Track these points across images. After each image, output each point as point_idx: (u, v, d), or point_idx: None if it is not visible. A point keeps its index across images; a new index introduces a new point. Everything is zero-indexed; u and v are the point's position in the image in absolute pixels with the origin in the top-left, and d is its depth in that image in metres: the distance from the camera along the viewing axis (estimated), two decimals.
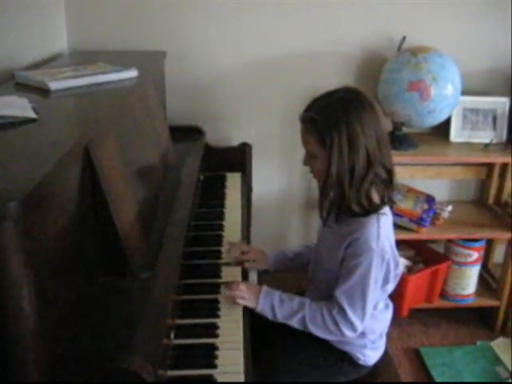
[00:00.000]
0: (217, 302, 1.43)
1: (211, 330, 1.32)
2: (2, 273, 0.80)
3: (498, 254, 2.62)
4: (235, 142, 2.36)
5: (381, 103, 2.23)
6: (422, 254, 2.52)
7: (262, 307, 1.45)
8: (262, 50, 2.37)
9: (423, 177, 2.56)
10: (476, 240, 2.39)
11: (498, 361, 2.30)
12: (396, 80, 2.18)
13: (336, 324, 1.41)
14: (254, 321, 1.44)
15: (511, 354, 2.31)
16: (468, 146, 2.39)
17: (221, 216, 1.90)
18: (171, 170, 1.81)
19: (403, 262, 2.36)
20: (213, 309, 1.40)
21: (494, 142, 2.38)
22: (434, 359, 2.30)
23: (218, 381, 1.17)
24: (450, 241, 2.45)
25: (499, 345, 2.40)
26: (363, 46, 2.39)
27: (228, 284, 1.47)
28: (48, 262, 0.92)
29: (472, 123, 2.42)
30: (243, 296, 1.43)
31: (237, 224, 1.86)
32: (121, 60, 1.85)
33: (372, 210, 1.40)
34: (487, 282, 2.61)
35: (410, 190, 2.39)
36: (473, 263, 2.41)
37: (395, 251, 1.47)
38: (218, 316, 1.38)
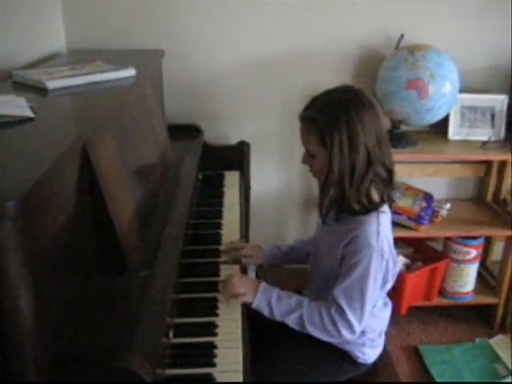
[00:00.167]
0: (215, 300, 1.43)
1: (210, 329, 1.32)
2: (0, 272, 0.80)
3: (497, 252, 2.63)
4: (233, 141, 2.36)
5: (379, 101, 2.22)
6: (420, 252, 2.52)
7: (259, 302, 1.44)
8: (260, 49, 2.37)
9: (421, 175, 2.56)
10: (474, 238, 2.39)
11: (496, 358, 2.31)
12: (394, 78, 2.18)
13: (334, 324, 1.40)
14: (253, 320, 1.44)
15: (511, 352, 2.31)
16: (466, 143, 2.39)
17: (219, 215, 1.90)
18: (169, 168, 1.81)
19: (401, 260, 2.36)
20: (211, 307, 1.40)
21: (492, 139, 2.38)
22: (432, 357, 2.31)
23: (217, 379, 1.17)
24: (448, 238, 2.45)
25: (498, 342, 2.41)
26: (361, 44, 2.39)
27: (222, 285, 1.47)
28: (46, 261, 0.92)
29: (470, 121, 2.42)
30: (239, 292, 1.43)
31: (235, 222, 1.86)
32: (119, 59, 1.85)
33: (372, 208, 1.40)
34: (486, 280, 2.61)
35: (408, 188, 2.39)
36: (471, 261, 2.42)
37: (393, 250, 1.47)
38: (216, 315, 1.38)
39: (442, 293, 2.49)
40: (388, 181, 1.42)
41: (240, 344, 1.29)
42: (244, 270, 1.63)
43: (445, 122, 2.38)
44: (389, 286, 1.51)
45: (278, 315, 1.44)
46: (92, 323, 1.05)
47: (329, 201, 1.44)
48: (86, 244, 1.14)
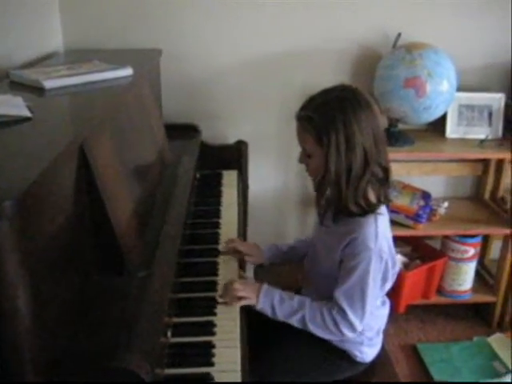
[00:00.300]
0: (214, 299, 1.43)
1: (208, 328, 1.32)
2: None
3: (495, 250, 2.63)
4: (231, 140, 2.35)
5: (377, 100, 2.22)
6: (418, 251, 2.52)
7: (263, 306, 1.45)
8: (258, 48, 2.37)
9: (419, 173, 2.56)
10: (472, 236, 2.40)
11: (494, 356, 2.31)
12: (391, 77, 2.18)
13: (336, 324, 1.41)
14: (251, 319, 1.44)
15: (511, 350, 2.32)
16: (464, 142, 2.39)
17: (217, 214, 1.90)
18: (167, 168, 1.81)
19: (400, 259, 2.37)
20: (210, 307, 1.40)
21: (490, 137, 2.38)
22: (431, 355, 2.31)
23: (215, 379, 1.17)
24: (446, 237, 2.45)
25: (496, 340, 2.41)
26: (359, 43, 2.38)
27: (223, 290, 1.46)
28: (44, 261, 0.92)
29: (468, 119, 2.42)
30: (240, 296, 1.43)
31: (233, 222, 1.86)
32: (116, 58, 1.84)
33: (369, 210, 1.40)
34: (484, 278, 2.61)
35: (406, 187, 2.39)
36: (469, 259, 2.42)
37: (393, 250, 1.47)
38: (214, 314, 1.38)
39: (440, 291, 2.49)
40: (384, 180, 1.42)
41: (238, 343, 1.29)
42: (243, 266, 1.63)
43: (442, 120, 2.38)
44: (388, 285, 1.51)
45: (280, 316, 1.45)
46: (90, 323, 1.05)
47: (326, 201, 1.44)
48: (84, 244, 1.14)
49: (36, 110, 1.22)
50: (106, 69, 1.65)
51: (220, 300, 1.43)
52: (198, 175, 2.09)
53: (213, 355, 1.24)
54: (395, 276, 1.52)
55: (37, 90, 1.45)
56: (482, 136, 2.38)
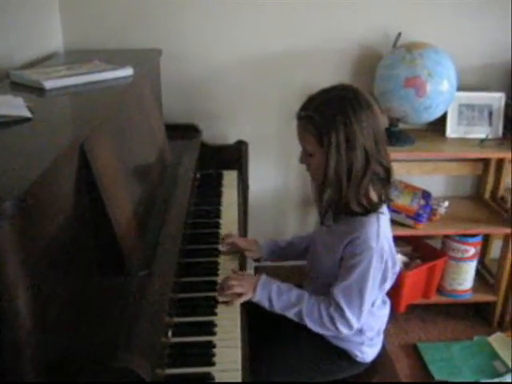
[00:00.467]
0: (214, 299, 1.43)
1: (209, 328, 1.32)
2: None
3: (495, 250, 2.63)
4: (231, 140, 2.35)
5: (377, 100, 2.22)
6: (418, 250, 2.53)
7: (260, 297, 1.45)
8: (258, 48, 2.37)
9: (419, 173, 2.56)
10: (473, 235, 2.40)
11: (495, 355, 2.31)
12: (392, 76, 2.18)
13: (332, 321, 1.41)
14: (251, 318, 1.44)
15: (511, 350, 2.32)
16: (464, 141, 2.40)
17: (217, 214, 1.90)
18: (167, 168, 1.81)
19: (400, 258, 2.37)
20: (210, 307, 1.40)
21: (490, 137, 2.38)
22: (431, 354, 2.31)
23: (216, 378, 1.17)
24: (446, 236, 2.45)
25: (496, 340, 2.41)
26: (359, 43, 2.39)
27: (220, 287, 1.46)
28: (44, 261, 0.92)
29: (468, 119, 2.42)
30: (238, 292, 1.43)
31: (233, 222, 1.86)
32: (116, 58, 1.85)
33: (371, 209, 1.40)
34: (484, 278, 2.61)
35: (406, 186, 2.39)
36: (469, 259, 2.42)
37: (393, 250, 1.47)
38: (215, 314, 1.38)
39: (440, 291, 2.49)
40: (386, 180, 1.42)
41: (239, 343, 1.29)
42: (243, 267, 1.63)
43: (443, 120, 2.38)
44: (387, 285, 1.51)
45: (277, 309, 1.45)
46: (91, 323, 1.05)
47: (326, 201, 1.44)
48: (85, 244, 1.14)
49: (36, 111, 1.22)
50: (106, 69, 1.66)
51: (219, 299, 1.43)
52: (198, 175, 2.09)
53: (213, 355, 1.24)
54: (395, 276, 1.52)
55: (37, 90, 1.45)
56: (483, 135, 2.38)
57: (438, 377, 2.18)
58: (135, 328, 1.04)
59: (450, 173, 2.63)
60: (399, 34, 2.30)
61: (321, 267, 1.53)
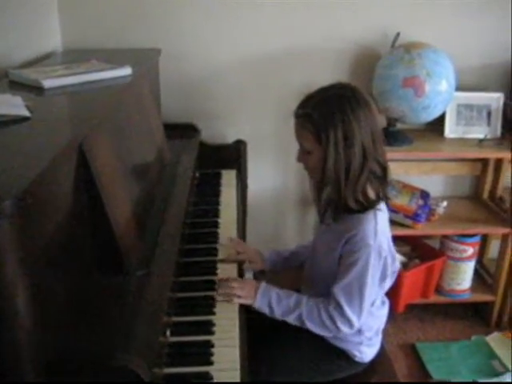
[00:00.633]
0: (212, 299, 1.43)
1: (207, 327, 1.32)
2: None
3: (493, 250, 2.63)
4: (230, 140, 2.36)
5: (375, 99, 2.23)
6: (417, 250, 2.53)
7: (260, 304, 1.45)
8: (257, 48, 2.37)
9: (418, 173, 2.56)
10: (471, 235, 2.40)
11: (493, 355, 2.31)
12: (390, 76, 2.18)
13: (332, 320, 1.41)
14: (250, 318, 1.45)
15: (509, 349, 2.32)
16: (462, 141, 2.40)
17: (216, 213, 1.90)
18: (166, 167, 1.81)
19: (399, 258, 2.36)
20: (208, 306, 1.40)
21: (489, 137, 2.38)
22: (429, 354, 2.31)
23: (215, 378, 1.17)
24: (445, 236, 2.46)
25: (494, 339, 2.41)
26: (358, 43, 2.39)
27: (220, 285, 1.47)
28: (43, 260, 0.92)
29: (466, 119, 2.42)
30: (238, 294, 1.43)
31: (232, 221, 1.86)
32: (115, 58, 1.84)
33: (369, 206, 1.40)
34: (482, 277, 2.62)
35: (404, 186, 2.40)
36: (468, 258, 2.42)
37: (392, 247, 1.48)
38: (213, 313, 1.38)
39: (438, 290, 2.49)
40: (383, 178, 1.43)
41: (237, 342, 1.29)
42: (241, 274, 1.63)
43: (441, 120, 2.38)
44: (388, 283, 1.51)
45: (278, 315, 1.45)
46: (89, 322, 1.05)
47: (325, 200, 1.44)
48: (84, 243, 1.14)
49: (35, 110, 1.22)
50: (105, 68, 1.65)
51: (218, 298, 1.43)
52: (197, 174, 2.09)
53: (212, 354, 1.24)
54: (395, 274, 1.53)
55: (36, 89, 1.45)
56: (481, 135, 2.38)
57: (436, 376, 2.18)
58: (134, 327, 1.04)
59: (448, 173, 2.63)
60: (398, 34, 2.30)
61: (319, 268, 1.54)
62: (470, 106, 2.42)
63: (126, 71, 1.66)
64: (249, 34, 2.35)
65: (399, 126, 2.37)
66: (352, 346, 1.52)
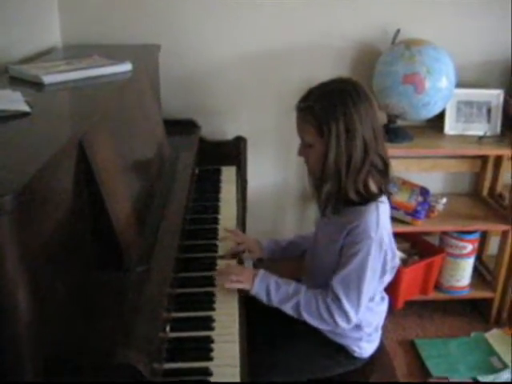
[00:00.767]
0: (212, 295, 1.43)
1: (207, 323, 1.32)
2: None
3: (493, 246, 2.64)
4: (230, 136, 2.36)
5: (375, 96, 2.23)
6: (416, 247, 2.53)
7: (258, 290, 1.45)
8: (256, 44, 2.37)
9: (418, 169, 2.56)
10: (470, 232, 2.40)
11: (492, 352, 2.32)
12: (390, 73, 2.18)
13: (330, 312, 1.41)
14: (250, 313, 1.45)
15: (510, 346, 2.33)
16: (462, 138, 2.40)
17: (216, 209, 1.91)
18: (166, 163, 1.81)
19: (398, 255, 2.37)
20: (208, 302, 1.41)
21: (488, 134, 2.38)
22: (428, 351, 2.32)
23: (214, 373, 1.17)
24: (444, 233, 2.46)
25: (493, 336, 2.42)
26: (357, 39, 2.38)
27: (220, 272, 1.48)
28: (43, 256, 0.92)
29: (466, 116, 2.42)
30: (237, 279, 1.43)
31: (232, 217, 1.86)
32: (115, 54, 1.84)
33: (370, 198, 1.41)
34: (482, 274, 2.62)
35: (404, 183, 2.40)
36: (467, 255, 2.42)
37: (392, 242, 1.48)
38: (213, 309, 1.38)
39: (438, 287, 2.50)
40: (384, 172, 1.43)
41: (237, 338, 1.29)
42: (241, 263, 1.63)
43: (441, 116, 2.38)
44: (387, 278, 1.51)
45: (275, 302, 1.45)
46: (89, 318, 1.05)
47: (325, 195, 1.44)
48: (84, 239, 1.14)
49: (35, 105, 1.22)
50: (105, 64, 1.65)
51: (216, 282, 1.44)
52: (196, 171, 2.09)
53: (211, 350, 1.24)
54: (395, 270, 1.53)
55: (36, 85, 1.45)
56: (481, 132, 2.38)
57: (435, 373, 2.19)
58: (134, 323, 1.04)
59: (448, 169, 2.64)
60: (398, 31, 2.30)
61: (320, 262, 1.54)
62: (469, 103, 2.42)
63: (127, 67, 1.66)
64: (249, 31, 2.34)
65: (399, 122, 2.37)
66: (351, 341, 1.53)
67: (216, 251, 1.64)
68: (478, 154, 2.51)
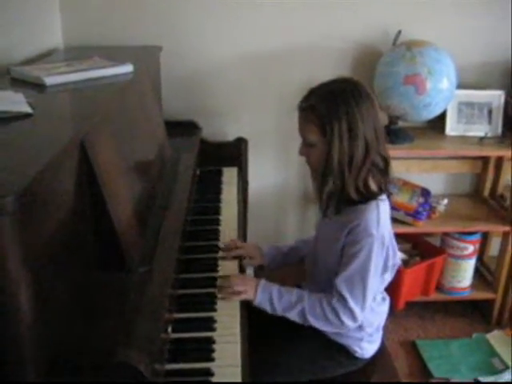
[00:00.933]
0: (214, 295, 1.43)
1: (208, 324, 1.33)
2: None
3: (494, 247, 2.64)
4: (231, 137, 2.36)
5: (377, 97, 2.22)
6: (418, 248, 2.53)
7: (260, 301, 1.45)
8: (257, 45, 2.37)
9: (419, 170, 2.56)
10: (472, 233, 2.40)
11: (493, 353, 2.32)
12: (392, 74, 2.18)
13: (336, 313, 1.41)
14: (251, 315, 1.45)
15: (510, 347, 2.32)
16: (463, 139, 2.40)
17: (217, 211, 1.91)
18: (167, 164, 1.81)
19: (399, 255, 2.37)
20: (210, 303, 1.41)
21: (489, 135, 2.38)
22: (430, 352, 2.32)
23: (216, 374, 1.17)
24: (445, 234, 2.46)
25: (495, 337, 2.42)
26: (359, 40, 2.39)
27: (221, 284, 1.47)
28: (45, 257, 0.92)
29: (467, 117, 2.42)
30: (239, 290, 1.44)
31: (233, 218, 1.87)
32: (116, 55, 1.84)
33: (371, 197, 1.41)
34: (483, 275, 2.62)
35: (405, 184, 2.40)
36: (468, 256, 2.42)
37: (393, 239, 1.48)
38: (215, 310, 1.39)
39: (439, 288, 2.49)
40: (384, 171, 1.44)
41: (239, 339, 1.30)
42: (242, 270, 1.63)
43: (442, 117, 2.38)
44: (388, 276, 1.52)
45: (279, 311, 1.45)
46: (91, 318, 1.05)
47: (327, 194, 1.44)
48: (85, 240, 1.14)
49: (37, 107, 1.22)
50: (107, 65, 1.66)
51: (218, 295, 1.43)
52: (198, 172, 2.09)
53: (213, 351, 1.24)
54: (395, 268, 1.53)
55: (38, 86, 1.45)
56: (482, 133, 2.38)
57: (436, 374, 2.19)
58: (135, 324, 1.04)
59: (449, 171, 2.64)
60: (399, 32, 2.30)
61: (321, 264, 1.54)
62: (470, 104, 2.42)
63: (128, 68, 1.67)
64: (250, 32, 2.35)
65: (400, 123, 2.37)
66: (353, 341, 1.53)
67: (217, 252, 1.64)
68: (479, 155, 2.51)
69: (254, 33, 2.35)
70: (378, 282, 1.46)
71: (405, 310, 2.45)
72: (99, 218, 1.16)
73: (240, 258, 1.64)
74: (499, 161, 2.56)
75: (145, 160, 1.60)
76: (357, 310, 1.41)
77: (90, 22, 2.28)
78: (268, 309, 1.46)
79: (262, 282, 1.48)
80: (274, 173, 2.60)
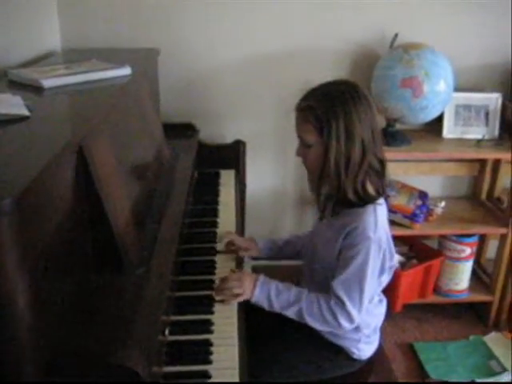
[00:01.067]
0: (211, 298, 1.43)
1: (206, 326, 1.33)
2: None
3: (491, 250, 2.64)
4: (229, 139, 2.36)
5: (374, 100, 2.22)
6: (415, 250, 2.53)
7: (258, 298, 1.45)
8: (255, 47, 2.37)
9: (416, 173, 2.57)
10: (469, 235, 2.41)
11: (491, 355, 2.32)
12: (389, 77, 2.19)
13: (334, 315, 1.42)
14: (249, 316, 1.45)
15: (510, 349, 2.33)
16: (460, 142, 2.40)
17: (215, 213, 1.91)
18: (165, 166, 1.81)
19: (397, 258, 2.37)
20: (207, 305, 1.41)
21: (487, 137, 2.39)
22: (427, 354, 2.32)
23: (213, 376, 1.18)
24: (443, 236, 2.46)
25: (492, 339, 2.42)
26: (356, 43, 2.39)
27: (219, 286, 1.46)
28: (42, 259, 0.92)
29: (464, 119, 2.43)
30: (237, 292, 1.43)
31: (231, 221, 1.87)
32: (114, 57, 1.84)
33: (368, 200, 1.41)
34: (480, 278, 2.62)
35: (403, 186, 2.40)
36: (466, 258, 2.43)
37: (391, 242, 1.49)
38: (212, 312, 1.39)
39: (436, 290, 2.50)
40: (381, 173, 1.44)
41: (236, 341, 1.30)
42: (240, 262, 1.63)
43: (439, 120, 2.39)
44: (385, 279, 1.52)
45: (277, 308, 1.45)
46: (88, 320, 1.05)
47: (324, 196, 1.45)
48: (83, 242, 1.14)
49: (34, 109, 1.23)
50: (105, 68, 1.66)
51: (217, 298, 1.43)
52: (195, 174, 2.09)
53: (211, 353, 1.24)
54: (392, 270, 1.53)
55: (35, 88, 1.45)
56: (479, 136, 2.39)
57: (433, 376, 2.19)
58: (132, 326, 1.04)
59: (446, 173, 2.64)
60: (396, 35, 2.31)
61: (318, 265, 1.54)
62: (468, 107, 2.43)
63: (126, 71, 1.67)
64: (247, 35, 2.35)
65: (398, 126, 2.38)
66: (350, 343, 1.53)
67: (215, 254, 1.65)
68: (476, 158, 2.52)
69: (252, 35, 2.35)
70: (375, 284, 1.46)
71: (402, 312, 2.45)
72: (97, 220, 1.16)
73: (238, 259, 1.65)
74: (496, 163, 2.57)
75: (142, 162, 1.60)
76: (354, 312, 1.41)
77: (87, 25, 2.28)
78: (265, 306, 1.46)
79: (261, 278, 1.47)
80: (272, 175, 2.60)
